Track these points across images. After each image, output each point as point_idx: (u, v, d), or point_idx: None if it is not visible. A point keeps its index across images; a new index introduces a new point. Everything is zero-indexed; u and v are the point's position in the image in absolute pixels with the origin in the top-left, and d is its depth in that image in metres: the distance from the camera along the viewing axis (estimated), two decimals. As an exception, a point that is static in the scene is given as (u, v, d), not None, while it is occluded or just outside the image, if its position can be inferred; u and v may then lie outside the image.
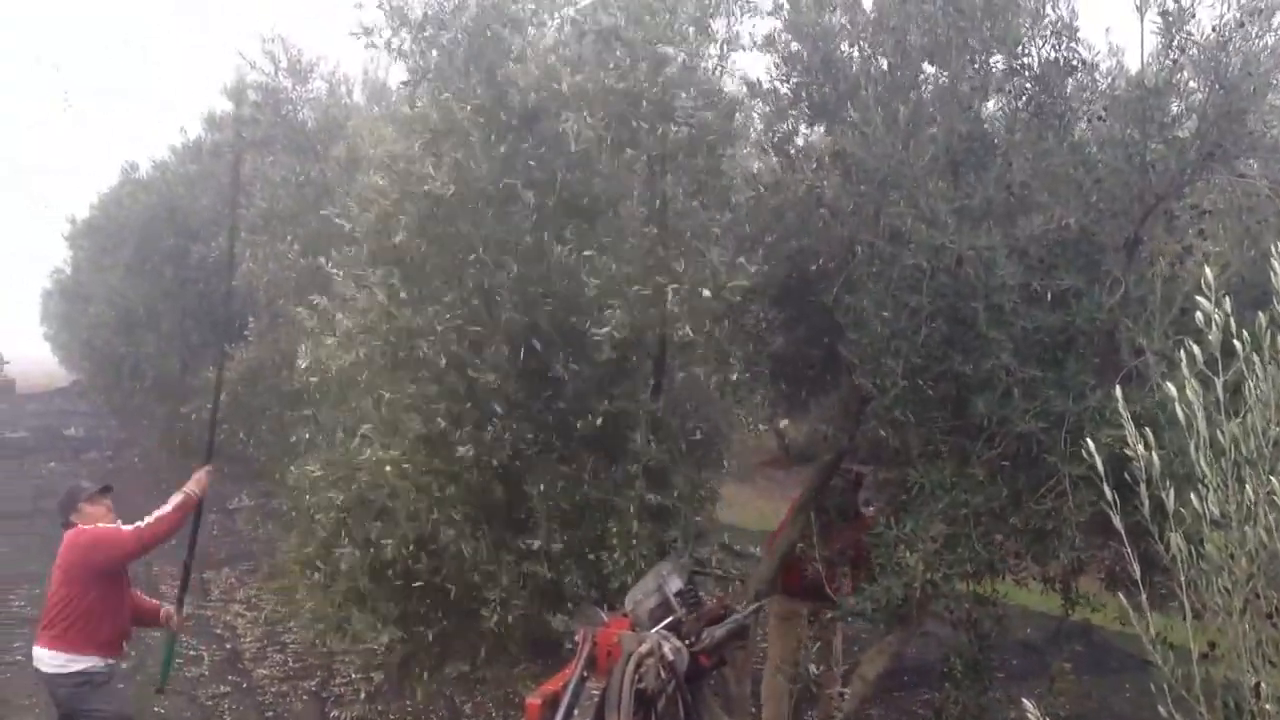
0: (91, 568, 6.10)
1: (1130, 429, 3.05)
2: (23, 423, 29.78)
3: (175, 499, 6.36)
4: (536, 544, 5.81)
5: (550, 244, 5.71)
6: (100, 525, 6.21)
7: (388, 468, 5.77)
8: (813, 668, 7.59)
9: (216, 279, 12.11)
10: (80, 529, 6.19)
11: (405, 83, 6.35)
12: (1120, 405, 3.15)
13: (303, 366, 6.36)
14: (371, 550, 5.99)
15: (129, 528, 6.21)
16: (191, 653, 8.86)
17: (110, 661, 6.23)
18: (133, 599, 6.55)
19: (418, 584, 5.98)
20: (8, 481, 19.82)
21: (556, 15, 6.13)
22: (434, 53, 6.00)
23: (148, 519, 6.26)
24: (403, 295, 5.80)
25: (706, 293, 5.47)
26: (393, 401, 5.85)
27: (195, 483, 6.50)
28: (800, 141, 6.57)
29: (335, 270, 6.30)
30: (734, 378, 6.13)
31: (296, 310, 6.89)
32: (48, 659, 6.10)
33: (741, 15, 6.23)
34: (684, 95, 5.52)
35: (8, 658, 9.71)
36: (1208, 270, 3.05)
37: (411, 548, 5.89)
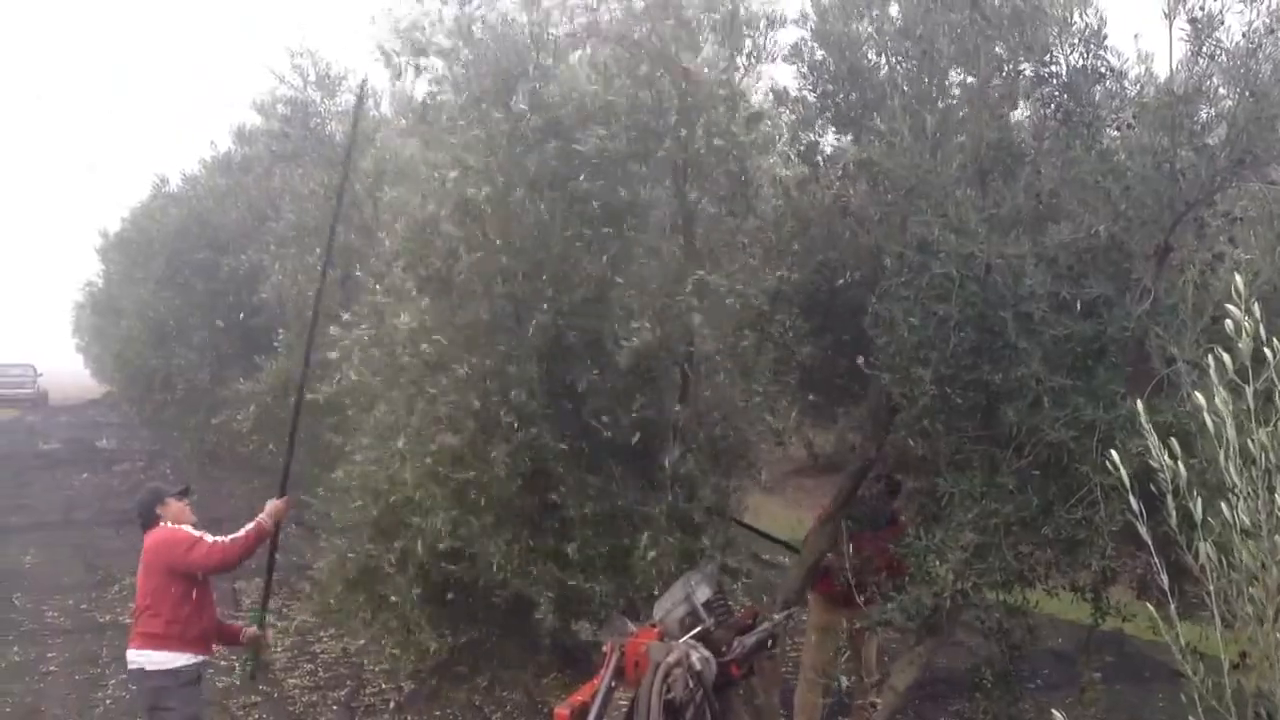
0: (166, 565, 6.06)
1: (1154, 440, 3.03)
2: (55, 434, 30.14)
3: (250, 526, 6.29)
4: (570, 548, 5.83)
5: (577, 255, 5.73)
6: (183, 526, 6.19)
7: (421, 473, 5.80)
8: (844, 679, 7.58)
9: (246, 291, 12.24)
10: (161, 527, 6.16)
11: (430, 95, 6.35)
12: (1143, 417, 3.13)
13: (354, 378, 6.37)
14: (407, 559, 6.03)
15: (211, 539, 6.15)
16: (222, 662, 8.87)
17: (200, 659, 6.21)
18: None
19: (454, 592, 6.02)
20: (41, 493, 20.00)
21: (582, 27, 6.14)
22: (458, 68, 6.02)
23: (227, 538, 6.20)
24: (441, 305, 5.84)
25: (731, 300, 5.47)
26: (425, 412, 5.86)
27: (269, 514, 6.43)
28: (827, 150, 6.55)
29: (373, 285, 6.34)
30: (760, 387, 6.13)
31: (329, 324, 6.91)
32: (143, 660, 6.03)
33: (766, 28, 6.21)
34: (710, 104, 5.53)
35: (42, 668, 9.79)
36: (1238, 278, 3.03)
37: (446, 555, 5.92)
